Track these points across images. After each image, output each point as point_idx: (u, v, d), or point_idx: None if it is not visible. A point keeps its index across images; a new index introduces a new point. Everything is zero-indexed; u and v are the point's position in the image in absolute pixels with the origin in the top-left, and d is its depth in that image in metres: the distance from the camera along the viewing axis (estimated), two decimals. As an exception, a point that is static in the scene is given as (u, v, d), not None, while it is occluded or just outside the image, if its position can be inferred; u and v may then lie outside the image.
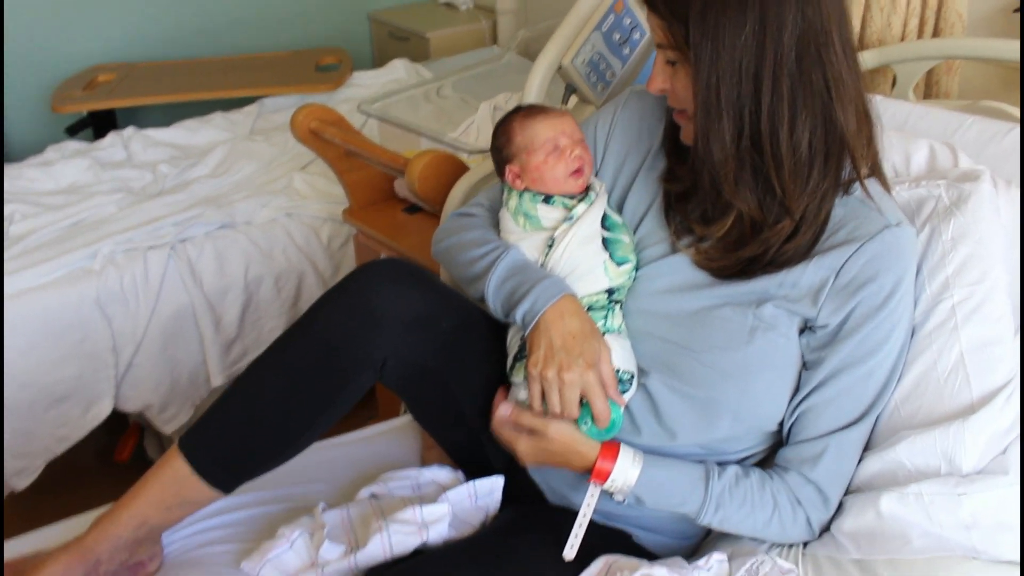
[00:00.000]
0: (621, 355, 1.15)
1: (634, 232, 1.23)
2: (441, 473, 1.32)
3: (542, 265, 1.19)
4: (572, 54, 1.59)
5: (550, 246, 1.18)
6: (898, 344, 1.10)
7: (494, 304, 1.18)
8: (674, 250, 1.18)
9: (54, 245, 2.11)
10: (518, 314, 1.14)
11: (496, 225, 1.28)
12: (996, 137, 1.33)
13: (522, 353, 1.17)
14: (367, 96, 2.84)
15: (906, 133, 1.34)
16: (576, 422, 1.11)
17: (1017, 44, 1.59)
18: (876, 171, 1.14)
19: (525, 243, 1.21)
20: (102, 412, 2.08)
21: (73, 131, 2.88)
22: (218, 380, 2.22)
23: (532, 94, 1.59)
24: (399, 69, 3.01)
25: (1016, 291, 1.11)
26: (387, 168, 1.86)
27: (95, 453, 2.34)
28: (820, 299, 1.09)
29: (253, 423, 1.17)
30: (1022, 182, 1.18)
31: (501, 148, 1.26)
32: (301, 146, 2.04)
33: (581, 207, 1.19)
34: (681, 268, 1.17)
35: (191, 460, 1.15)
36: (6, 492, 2.01)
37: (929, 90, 1.98)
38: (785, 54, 1.00)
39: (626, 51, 1.66)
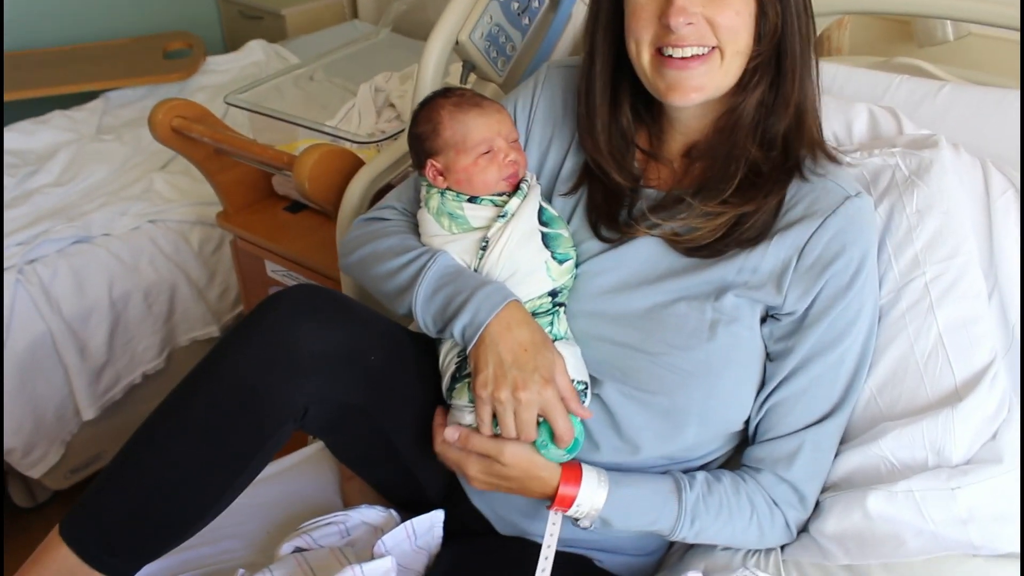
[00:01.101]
0: (573, 364, 1.02)
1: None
2: (370, 513, 1.16)
3: (476, 270, 1.05)
4: (469, 28, 1.43)
5: (484, 248, 1.04)
6: (866, 324, 1.02)
7: (424, 319, 1.04)
8: (621, 240, 1.06)
9: None
10: (456, 329, 1.00)
11: (414, 230, 1.13)
12: (927, 97, 1.26)
13: (461, 372, 1.04)
14: (225, 83, 2.61)
15: (841, 98, 1.26)
16: (534, 443, 0.99)
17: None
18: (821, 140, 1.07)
19: (453, 247, 1.06)
20: (-48, 464, 1.83)
21: None
22: (89, 413, 1.99)
23: (428, 76, 1.42)
24: (257, 51, 2.77)
25: (988, 264, 1.03)
26: (268, 167, 1.66)
27: (-50, 507, 2.06)
28: (784, 283, 1.00)
29: (154, 496, 0.98)
30: (1022, 169, 1.11)
31: (423, 138, 1.10)
32: (158, 143, 1.81)
33: (514, 202, 1.05)
34: (626, 262, 1.06)
35: (79, 550, 0.96)
36: None
37: (820, 46, 1.94)
38: None
39: (525, 21, 1.52)
